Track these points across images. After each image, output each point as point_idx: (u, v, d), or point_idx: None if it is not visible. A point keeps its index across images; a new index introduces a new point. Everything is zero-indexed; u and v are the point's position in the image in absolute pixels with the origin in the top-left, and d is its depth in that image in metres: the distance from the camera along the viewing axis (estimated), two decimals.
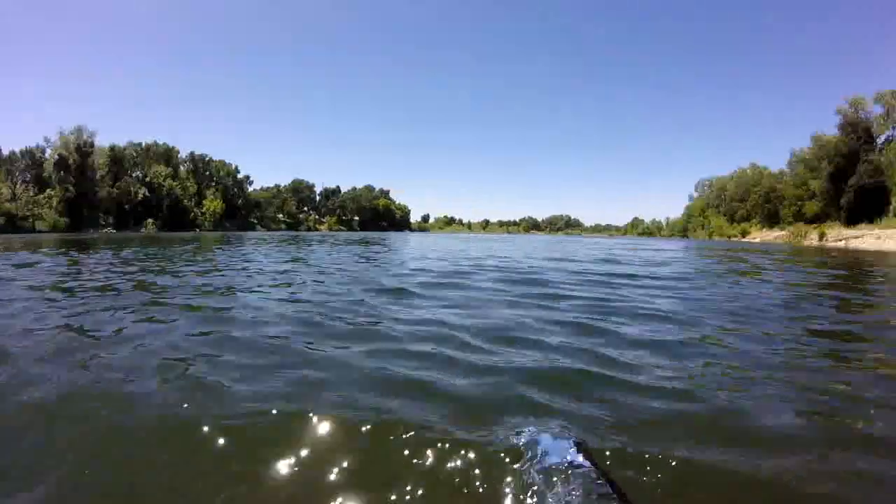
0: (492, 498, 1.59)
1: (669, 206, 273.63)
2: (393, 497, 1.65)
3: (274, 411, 2.19)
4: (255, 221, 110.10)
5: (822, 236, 48.20)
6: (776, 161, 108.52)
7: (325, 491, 1.69)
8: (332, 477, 1.76)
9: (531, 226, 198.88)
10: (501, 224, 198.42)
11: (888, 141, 53.33)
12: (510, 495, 1.57)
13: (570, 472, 1.48)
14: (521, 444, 1.78)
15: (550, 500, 1.40)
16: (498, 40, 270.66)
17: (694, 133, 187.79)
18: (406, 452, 1.87)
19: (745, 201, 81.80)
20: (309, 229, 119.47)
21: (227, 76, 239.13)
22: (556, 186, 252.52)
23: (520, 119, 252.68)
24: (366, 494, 1.67)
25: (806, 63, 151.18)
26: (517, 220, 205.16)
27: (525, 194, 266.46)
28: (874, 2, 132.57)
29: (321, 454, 1.90)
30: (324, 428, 2.05)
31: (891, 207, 46.10)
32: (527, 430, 1.91)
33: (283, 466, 1.82)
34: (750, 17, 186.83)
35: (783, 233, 60.59)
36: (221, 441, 2.00)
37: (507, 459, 1.72)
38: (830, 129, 59.25)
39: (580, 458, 1.42)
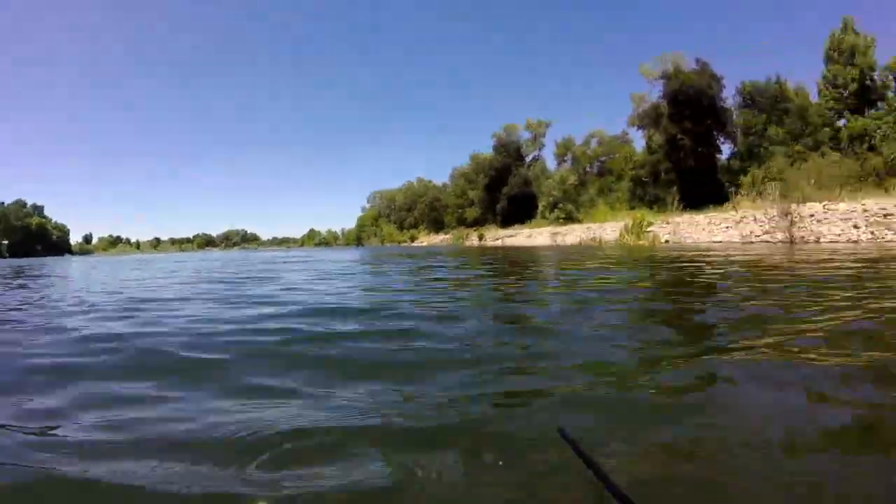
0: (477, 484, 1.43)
1: (345, 216, 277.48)
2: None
3: None
4: None
5: (481, 237, 51.86)
6: (440, 175, 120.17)
7: None
8: None
9: (205, 242, 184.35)
10: (174, 242, 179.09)
11: (534, 159, 62.79)
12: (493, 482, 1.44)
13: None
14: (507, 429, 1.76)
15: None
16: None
17: (368, 148, 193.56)
18: None
19: (412, 210, 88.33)
20: None
21: None
22: (230, 200, 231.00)
23: (190, 123, 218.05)
24: None
25: (465, 96, 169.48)
26: (191, 236, 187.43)
27: (199, 209, 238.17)
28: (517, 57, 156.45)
29: None
30: None
31: (538, 211, 52.41)
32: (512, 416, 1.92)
33: None
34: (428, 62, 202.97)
35: (447, 236, 64.79)
36: None
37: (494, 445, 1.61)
38: (486, 149, 66.40)
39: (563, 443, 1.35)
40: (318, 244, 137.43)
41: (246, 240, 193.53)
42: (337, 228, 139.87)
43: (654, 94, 41.89)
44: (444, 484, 1.39)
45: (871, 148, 29.13)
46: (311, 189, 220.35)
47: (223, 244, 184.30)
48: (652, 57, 42.24)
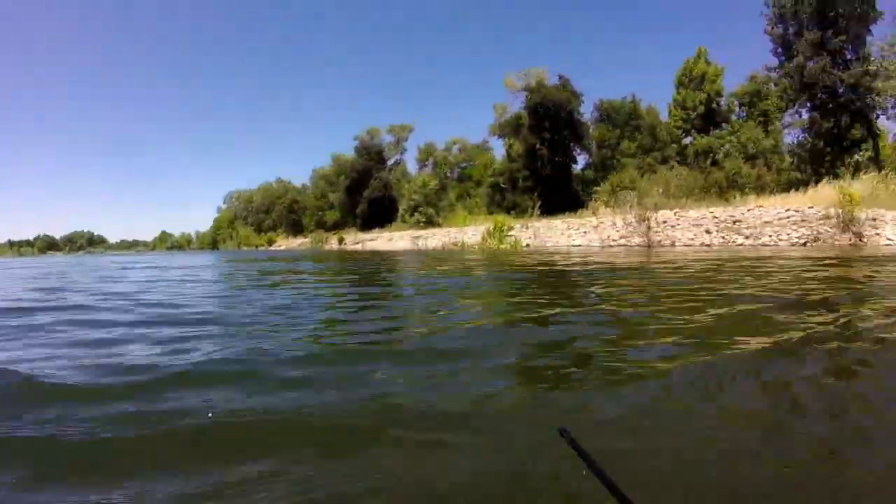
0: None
1: (201, 218, 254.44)
2: None
3: None
4: None
5: (341, 241, 50.36)
6: (300, 176, 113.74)
7: None
8: None
9: (48, 245, 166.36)
10: (12, 245, 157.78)
11: (396, 163, 61.67)
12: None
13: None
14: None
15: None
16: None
17: (223, 148, 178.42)
18: None
19: (270, 212, 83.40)
20: None
21: None
22: (75, 199, 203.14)
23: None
24: None
25: (327, 99, 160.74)
26: (31, 238, 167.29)
27: (40, 207, 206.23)
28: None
29: None
30: None
31: (398, 214, 51.11)
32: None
33: None
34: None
35: (306, 239, 61.73)
36: None
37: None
38: (349, 150, 63.35)
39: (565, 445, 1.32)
40: (171, 247, 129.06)
41: (92, 243, 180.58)
42: (191, 231, 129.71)
43: (516, 105, 42.23)
44: None
45: (715, 163, 31.03)
46: (165, 188, 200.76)
47: (67, 247, 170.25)
48: (517, 71, 42.39)
